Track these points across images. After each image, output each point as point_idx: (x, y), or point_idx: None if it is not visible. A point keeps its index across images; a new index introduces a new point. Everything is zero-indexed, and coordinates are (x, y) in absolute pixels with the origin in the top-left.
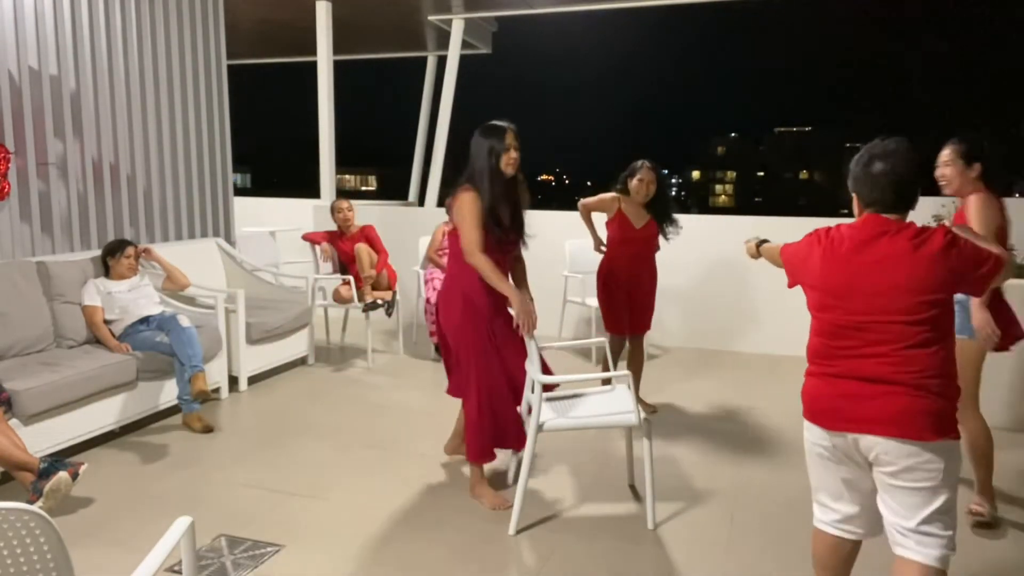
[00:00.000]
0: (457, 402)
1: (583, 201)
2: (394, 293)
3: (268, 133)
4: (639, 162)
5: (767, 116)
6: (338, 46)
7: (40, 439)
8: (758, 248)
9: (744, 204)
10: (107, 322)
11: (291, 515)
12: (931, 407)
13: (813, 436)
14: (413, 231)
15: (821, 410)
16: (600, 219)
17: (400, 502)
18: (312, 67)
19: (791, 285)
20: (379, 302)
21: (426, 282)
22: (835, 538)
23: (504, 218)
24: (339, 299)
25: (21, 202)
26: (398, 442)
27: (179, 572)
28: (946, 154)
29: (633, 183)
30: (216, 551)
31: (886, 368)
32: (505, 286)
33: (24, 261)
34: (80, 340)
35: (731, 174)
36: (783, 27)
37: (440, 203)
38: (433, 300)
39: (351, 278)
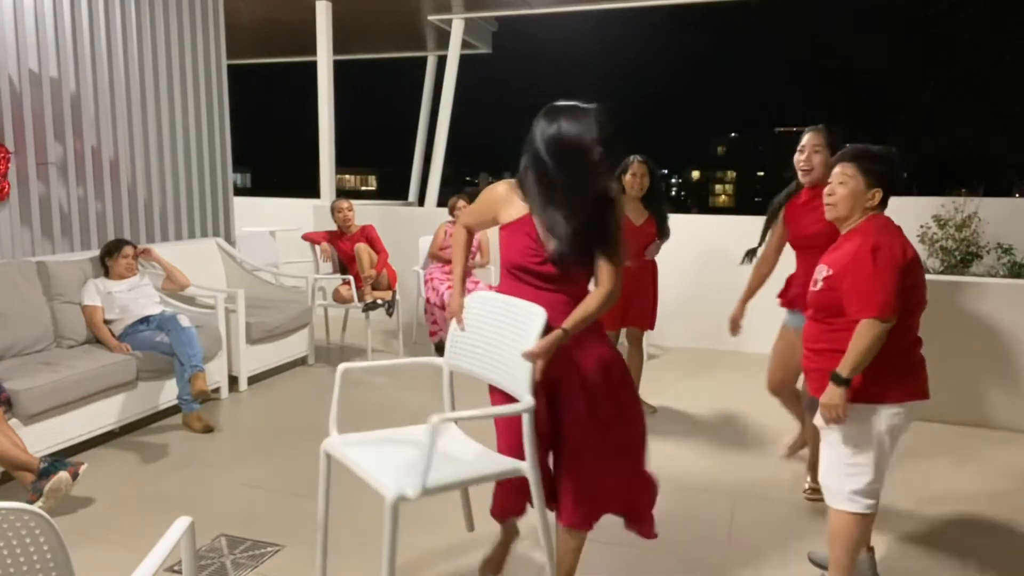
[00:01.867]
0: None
1: None
2: (394, 293)
3: (268, 133)
4: (630, 157)
5: (767, 116)
6: (338, 46)
7: (40, 439)
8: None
9: (744, 204)
10: (107, 322)
11: (291, 515)
12: None
13: (902, 417)
14: (413, 231)
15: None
16: None
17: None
18: (312, 67)
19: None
20: (379, 302)
21: (426, 282)
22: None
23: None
24: (339, 299)
25: (21, 202)
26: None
27: (179, 572)
28: (814, 141)
29: (626, 178)
30: (216, 551)
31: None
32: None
33: (24, 261)
34: (80, 340)
35: (731, 174)
36: (783, 27)
37: (440, 203)
38: (433, 300)
39: (351, 278)
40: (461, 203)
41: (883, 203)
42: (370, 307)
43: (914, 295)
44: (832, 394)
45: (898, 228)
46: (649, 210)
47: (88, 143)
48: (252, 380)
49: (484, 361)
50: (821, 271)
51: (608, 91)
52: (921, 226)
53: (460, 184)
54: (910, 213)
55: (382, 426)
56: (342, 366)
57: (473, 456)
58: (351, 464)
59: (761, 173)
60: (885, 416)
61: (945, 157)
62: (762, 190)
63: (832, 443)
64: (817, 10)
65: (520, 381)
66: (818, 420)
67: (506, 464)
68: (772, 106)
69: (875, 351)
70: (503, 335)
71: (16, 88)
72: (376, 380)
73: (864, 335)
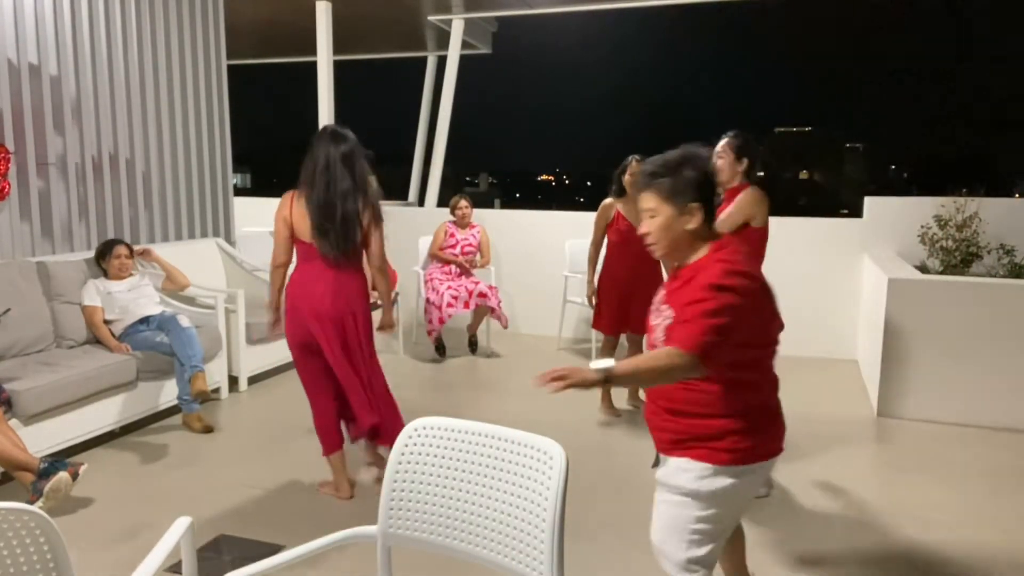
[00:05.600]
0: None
1: (592, 241)
2: (396, 294)
3: (268, 133)
4: (628, 158)
5: (767, 116)
6: (338, 46)
7: (40, 439)
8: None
9: None
10: (107, 322)
11: (291, 515)
12: None
13: (757, 476)
14: (413, 231)
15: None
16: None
17: None
18: (312, 67)
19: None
20: (379, 303)
21: (426, 282)
22: None
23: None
24: None
25: (21, 202)
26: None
27: (179, 572)
28: (721, 147)
29: (627, 179)
30: (216, 551)
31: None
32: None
33: (24, 261)
34: (80, 340)
35: None
36: (783, 27)
37: (441, 203)
38: (433, 300)
39: None
40: (462, 203)
41: (711, 219)
42: (371, 307)
43: (764, 338)
44: (587, 375)
45: (750, 259)
46: None
47: (88, 144)
48: (252, 380)
49: (466, 534)
50: (662, 316)
51: (608, 91)
52: (922, 226)
53: (460, 184)
54: (910, 213)
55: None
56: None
57: None
58: None
59: (761, 174)
60: (742, 478)
61: (945, 157)
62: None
63: (674, 503)
64: (817, 10)
65: (544, 565)
66: (666, 478)
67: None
68: (772, 106)
69: (666, 380)
70: (500, 491)
71: (16, 89)
72: None
73: (665, 357)
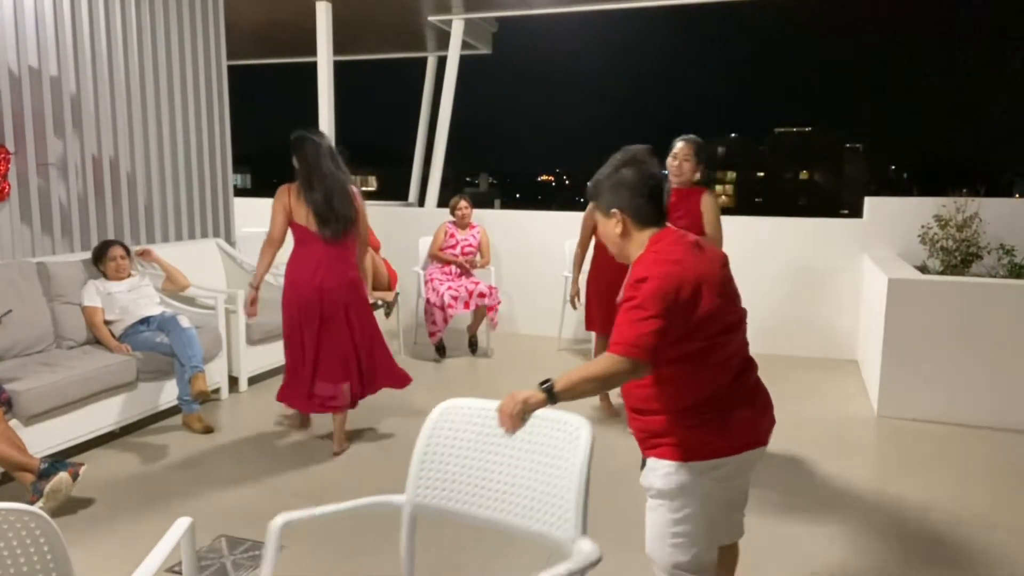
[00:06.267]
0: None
1: (578, 242)
2: (396, 294)
3: (268, 133)
4: None
5: (767, 116)
6: (338, 46)
7: (40, 440)
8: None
9: (744, 204)
10: (107, 323)
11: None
12: None
13: (728, 472)
14: (413, 232)
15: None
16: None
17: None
18: (312, 67)
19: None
20: (379, 303)
21: (426, 282)
22: None
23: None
24: None
25: (21, 202)
26: (398, 442)
27: (179, 572)
28: (685, 151)
29: None
30: (216, 551)
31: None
32: None
33: (24, 261)
34: (80, 341)
35: (731, 174)
36: (783, 28)
37: (441, 203)
38: (433, 300)
39: None
40: (462, 203)
41: (644, 217)
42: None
43: (708, 331)
44: (533, 396)
45: (683, 251)
46: None
47: (88, 144)
48: (252, 380)
49: (492, 502)
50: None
51: (608, 91)
52: (922, 226)
53: (460, 184)
54: (911, 213)
55: (382, 426)
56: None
57: None
58: None
59: (761, 173)
60: (711, 476)
61: (946, 157)
62: (762, 190)
63: (652, 507)
64: (817, 10)
65: (569, 523)
66: (642, 479)
67: None
68: (772, 106)
69: (610, 386)
70: (526, 462)
71: (16, 89)
72: None
73: (603, 363)
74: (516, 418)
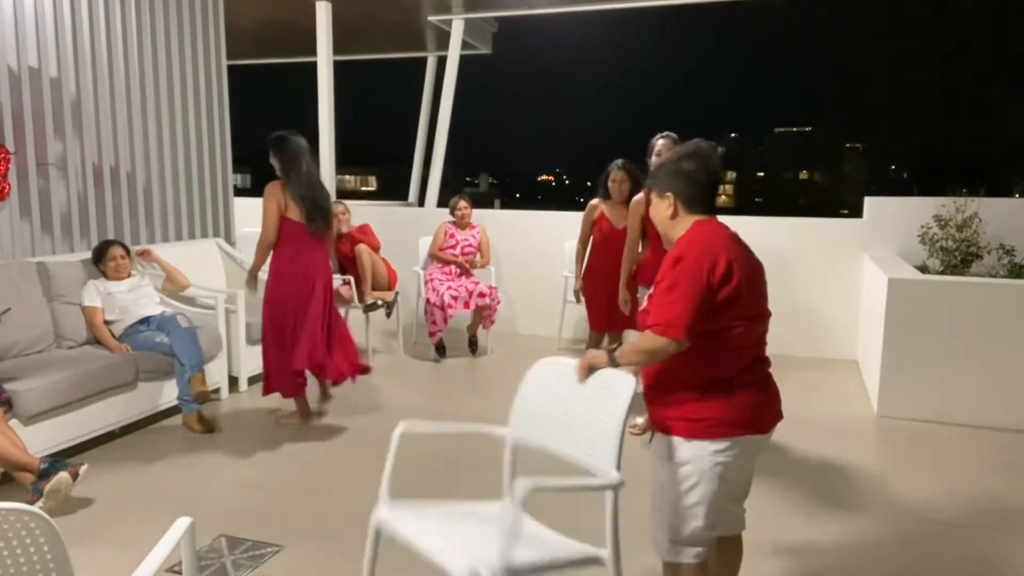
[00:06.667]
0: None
1: (579, 239)
2: (396, 294)
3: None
4: (611, 165)
5: (767, 116)
6: (338, 46)
7: (40, 439)
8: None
9: (744, 204)
10: (107, 323)
11: (291, 515)
12: None
13: (733, 455)
14: (413, 231)
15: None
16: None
17: None
18: (312, 67)
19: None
20: (379, 303)
21: (426, 282)
22: None
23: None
24: (340, 300)
25: (21, 202)
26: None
27: (179, 572)
28: (668, 147)
29: (610, 185)
30: (216, 551)
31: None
32: None
33: (24, 261)
34: (80, 341)
35: (731, 174)
36: (783, 28)
37: (441, 203)
38: (433, 300)
39: (351, 278)
40: (462, 203)
41: (695, 204)
42: (371, 308)
43: (728, 314)
44: (600, 358)
45: (722, 236)
46: None
47: (88, 144)
48: (252, 380)
49: (556, 434)
50: (645, 293)
51: (608, 91)
52: (922, 226)
53: (460, 184)
54: (910, 213)
55: (382, 426)
56: (400, 428)
57: (538, 536)
58: (407, 539)
59: (761, 174)
60: (711, 454)
61: (945, 156)
62: (762, 190)
63: (659, 485)
64: (816, 10)
65: (604, 457)
66: (652, 452)
67: (584, 552)
68: (772, 106)
69: (655, 359)
70: (580, 406)
71: (16, 89)
72: (376, 380)
73: (648, 340)
74: (585, 371)
